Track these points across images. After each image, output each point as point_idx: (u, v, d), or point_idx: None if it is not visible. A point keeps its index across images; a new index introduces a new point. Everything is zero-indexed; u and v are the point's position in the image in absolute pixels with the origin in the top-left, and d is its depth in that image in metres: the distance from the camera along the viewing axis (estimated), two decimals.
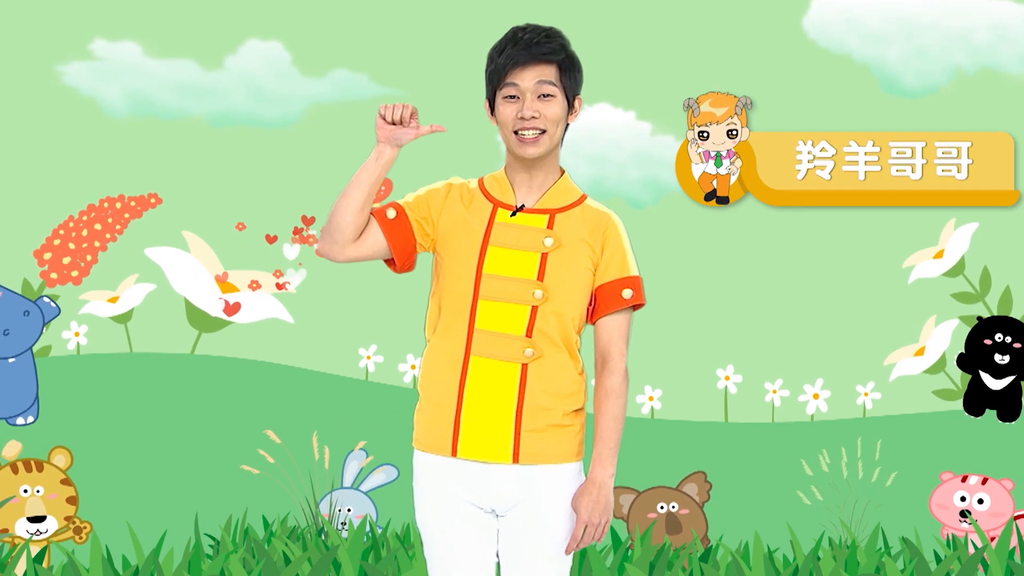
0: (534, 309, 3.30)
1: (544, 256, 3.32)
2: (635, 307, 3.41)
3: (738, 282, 6.36)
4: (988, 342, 6.27)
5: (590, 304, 3.39)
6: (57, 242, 6.31)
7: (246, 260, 6.39)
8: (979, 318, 6.28)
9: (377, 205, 3.41)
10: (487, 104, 3.40)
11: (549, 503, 3.33)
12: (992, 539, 6.14)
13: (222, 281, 6.33)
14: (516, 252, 3.32)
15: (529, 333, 3.30)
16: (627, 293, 3.37)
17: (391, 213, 3.38)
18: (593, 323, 3.41)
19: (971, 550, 6.15)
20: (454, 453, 3.31)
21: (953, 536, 6.23)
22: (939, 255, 6.32)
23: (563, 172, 3.43)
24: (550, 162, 3.39)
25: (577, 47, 3.37)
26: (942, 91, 6.37)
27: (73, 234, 6.32)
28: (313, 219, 6.35)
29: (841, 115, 6.33)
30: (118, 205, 6.34)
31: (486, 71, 3.37)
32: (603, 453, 3.32)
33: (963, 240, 6.30)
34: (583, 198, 3.42)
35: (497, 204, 3.37)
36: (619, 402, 3.36)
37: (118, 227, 6.34)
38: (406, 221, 3.38)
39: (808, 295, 6.35)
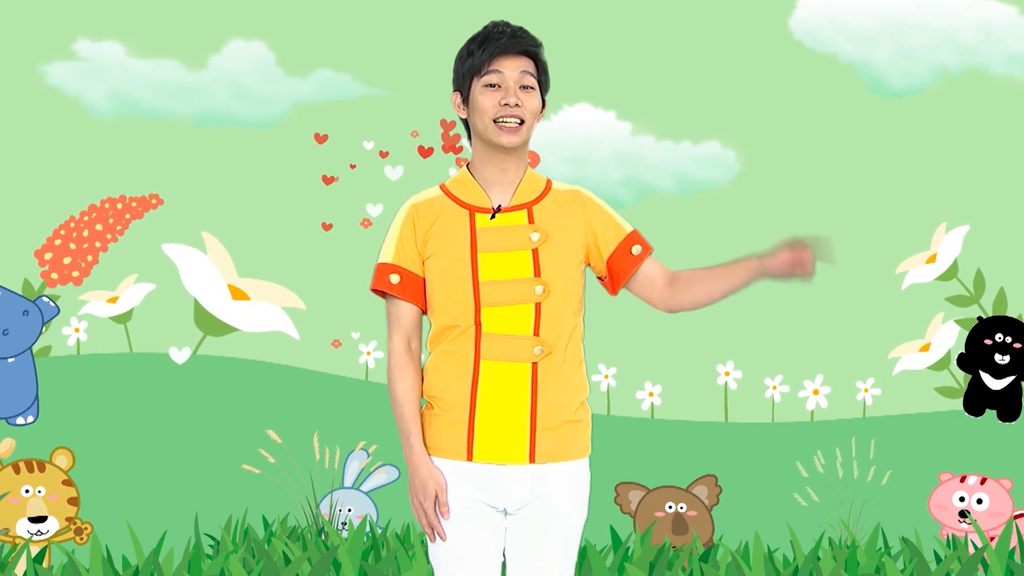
0: (538, 306, 3.30)
1: (535, 251, 3.33)
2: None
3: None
4: (988, 342, 6.28)
5: (605, 278, 3.42)
6: (58, 242, 6.31)
7: (257, 266, 6.41)
8: (979, 318, 6.29)
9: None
10: (457, 96, 3.39)
11: (560, 499, 3.34)
12: (992, 539, 6.14)
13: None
14: (507, 254, 3.32)
15: (536, 331, 3.30)
16: (636, 249, 3.42)
17: (395, 279, 3.36)
18: (619, 290, 3.45)
19: (971, 550, 6.15)
20: (470, 458, 3.31)
21: (953, 536, 6.23)
22: (931, 259, 6.32)
23: (527, 164, 3.44)
24: (521, 155, 3.39)
25: (558, 47, 3.41)
26: (928, 91, 6.39)
27: (74, 234, 6.32)
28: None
29: (827, 115, 6.34)
30: (119, 206, 6.34)
31: (461, 63, 3.36)
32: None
33: (955, 243, 6.31)
34: (549, 183, 3.43)
35: (473, 209, 3.35)
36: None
37: (119, 227, 6.34)
38: (410, 275, 3.37)
39: (808, 292, 6.35)
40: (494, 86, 3.32)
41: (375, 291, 3.42)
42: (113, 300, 6.33)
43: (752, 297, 6.32)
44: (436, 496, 3.31)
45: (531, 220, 3.35)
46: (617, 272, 3.41)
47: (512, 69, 3.31)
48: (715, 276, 3.42)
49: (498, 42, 3.30)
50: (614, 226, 3.42)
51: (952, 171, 6.34)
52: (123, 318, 6.33)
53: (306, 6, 6.38)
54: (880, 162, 6.36)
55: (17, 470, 6.20)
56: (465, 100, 3.36)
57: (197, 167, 6.34)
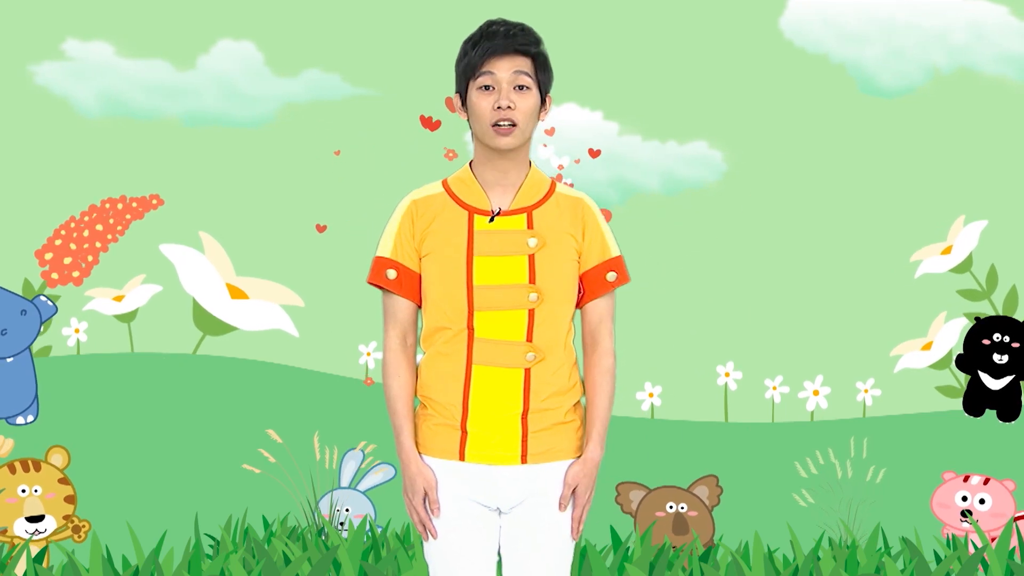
0: (531, 312, 3.30)
1: (531, 257, 3.31)
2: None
3: (729, 279, 6.36)
4: (986, 342, 6.26)
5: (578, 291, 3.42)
6: (58, 242, 6.32)
7: (253, 266, 6.42)
8: (977, 318, 6.27)
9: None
10: (457, 97, 3.37)
11: (554, 498, 3.35)
12: (992, 539, 6.13)
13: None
14: (503, 259, 3.31)
15: (530, 338, 3.30)
16: (611, 276, 3.39)
17: (392, 274, 3.36)
18: (580, 307, 3.42)
19: (971, 550, 6.14)
20: (462, 458, 3.32)
21: (953, 536, 6.22)
22: (947, 251, 6.31)
23: (531, 164, 3.42)
24: (522, 156, 3.37)
25: (546, 46, 3.37)
26: (919, 91, 6.38)
27: (74, 235, 6.34)
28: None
29: (817, 115, 6.33)
30: (119, 206, 6.35)
31: (458, 64, 3.35)
32: (601, 432, 3.37)
33: (972, 237, 6.29)
34: (553, 186, 3.41)
35: (472, 211, 3.33)
36: (612, 382, 3.41)
37: (119, 228, 6.35)
38: (407, 271, 3.37)
39: (806, 293, 6.35)
40: (488, 87, 3.30)
41: (372, 283, 3.42)
42: (119, 299, 6.34)
43: (752, 298, 6.36)
44: (426, 494, 3.31)
45: (530, 225, 3.33)
46: (586, 290, 3.40)
47: (505, 70, 3.28)
48: (590, 396, 3.43)
49: (491, 42, 3.28)
50: (601, 244, 3.39)
51: (944, 172, 6.32)
52: (127, 317, 6.34)
53: (295, 6, 6.38)
54: (870, 163, 6.34)
55: (13, 470, 6.21)
56: (464, 102, 3.36)
57: (188, 167, 6.35)
